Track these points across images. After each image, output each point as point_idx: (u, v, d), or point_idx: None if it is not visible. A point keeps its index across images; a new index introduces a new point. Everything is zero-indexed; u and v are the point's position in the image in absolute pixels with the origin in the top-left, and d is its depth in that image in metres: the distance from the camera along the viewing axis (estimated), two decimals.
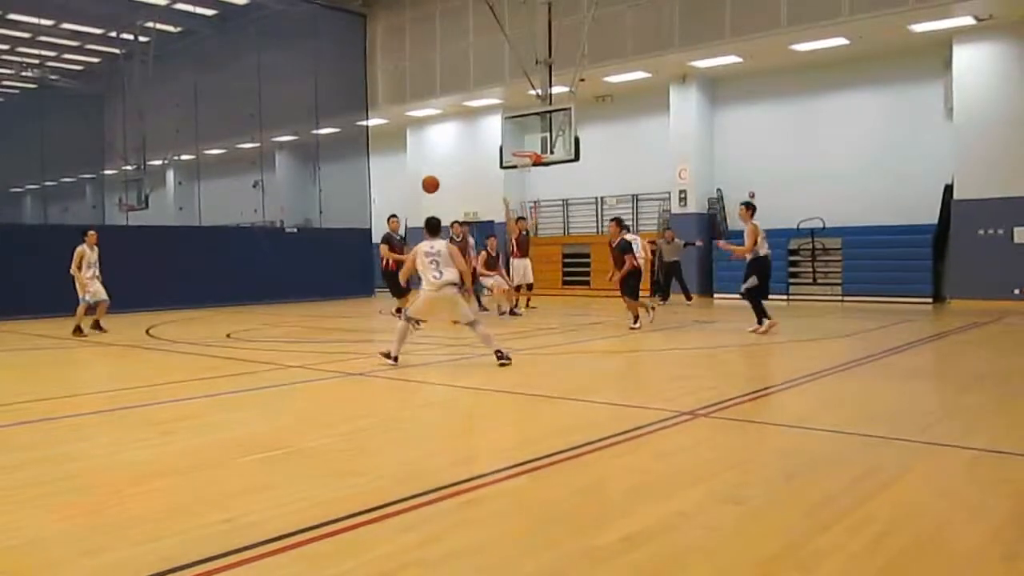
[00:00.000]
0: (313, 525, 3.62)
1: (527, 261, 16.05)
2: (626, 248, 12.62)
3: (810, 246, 18.45)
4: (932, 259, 17.04)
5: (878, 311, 15.37)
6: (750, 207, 11.81)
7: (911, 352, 9.82)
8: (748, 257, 11.56)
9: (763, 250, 11.59)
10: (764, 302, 11.62)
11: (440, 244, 8.85)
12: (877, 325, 12.69)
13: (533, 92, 15.52)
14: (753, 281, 11.51)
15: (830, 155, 18.85)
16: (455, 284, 8.73)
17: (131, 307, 17.34)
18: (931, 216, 17.33)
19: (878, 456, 4.84)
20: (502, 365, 8.52)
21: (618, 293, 13.25)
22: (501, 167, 16.26)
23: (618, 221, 13.32)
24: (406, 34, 23.97)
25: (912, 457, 4.80)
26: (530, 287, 16.38)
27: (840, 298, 17.91)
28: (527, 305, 16.51)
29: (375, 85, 23.97)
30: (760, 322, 11.43)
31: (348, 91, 22.91)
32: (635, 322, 12.55)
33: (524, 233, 16.26)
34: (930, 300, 16.99)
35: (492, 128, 22.35)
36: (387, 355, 8.85)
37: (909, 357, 9.39)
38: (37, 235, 17.94)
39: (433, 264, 8.64)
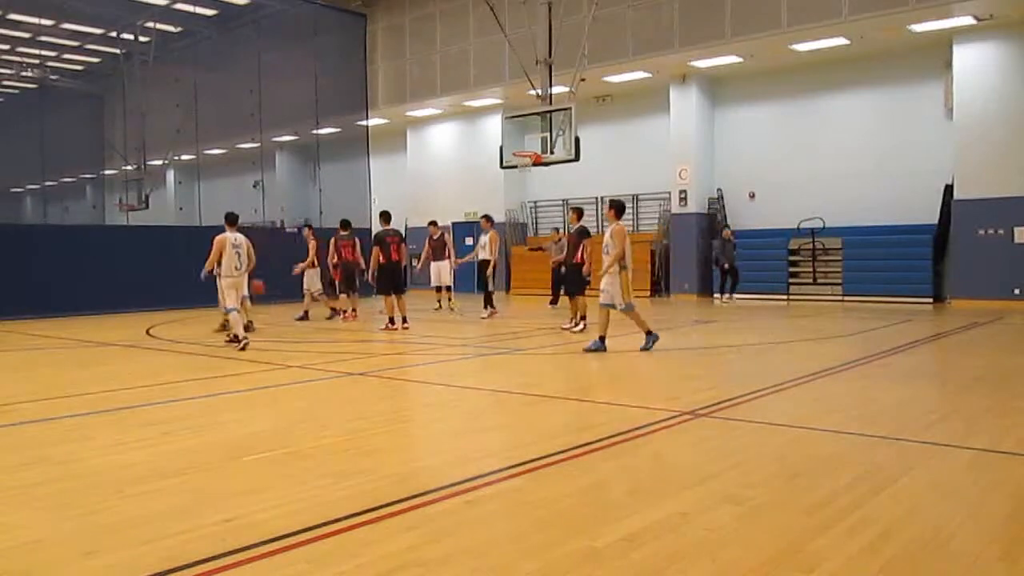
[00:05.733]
0: (313, 525, 3.62)
1: (445, 263, 16.53)
2: (583, 234, 12.21)
3: (810, 246, 18.45)
4: (932, 259, 17.04)
5: (878, 311, 15.37)
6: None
7: (911, 352, 9.81)
8: None
9: None
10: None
11: (241, 237, 10.93)
12: (877, 325, 12.69)
13: (533, 92, 15.50)
14: None
15: (830, 155, 18.85)
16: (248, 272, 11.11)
17: (131, 307, 17.37)
18: (931, 216, 17.33)
19: (878, 456, 4.84)
20: (242, 348, 10.21)
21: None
22: (501, 167, 16.24)
23: (576, 210, 12.86)
24: (406, 34, 23.98)
25: (912, 457, 4.80)
26: (448, 288, 16.73)
27: (840, 298, 17.91)
28: (448, 306, 16.65)
29: (375, 85, 23.97)
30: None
31: (348, 91, 22.88)
32: (577, 322, 12.40)
33: (439, 237, 16.53)
34: (930, 300, 16.99)
35: (492, 128, 22.36)
36: (235, 339, 10.48)
37: (909, 357, 9.39)
38: (37, 235, 17.95)
39: (236, 255, 10.71)
